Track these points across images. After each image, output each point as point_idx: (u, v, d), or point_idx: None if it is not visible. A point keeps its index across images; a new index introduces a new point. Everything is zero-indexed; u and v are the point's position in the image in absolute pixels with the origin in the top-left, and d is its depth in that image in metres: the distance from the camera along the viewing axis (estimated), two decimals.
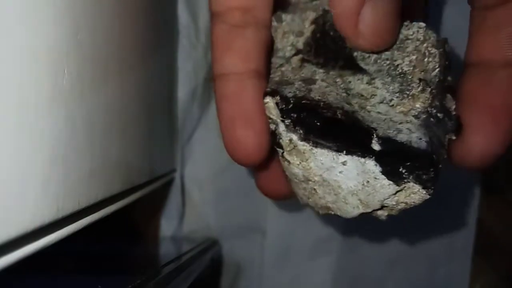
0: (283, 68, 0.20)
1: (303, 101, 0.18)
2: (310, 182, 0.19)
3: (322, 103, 0.18)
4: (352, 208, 0.19)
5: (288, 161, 0.19)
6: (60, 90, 0.15)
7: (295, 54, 0.20)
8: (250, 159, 0.19)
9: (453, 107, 0.19)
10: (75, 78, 0.15)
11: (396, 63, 0.19)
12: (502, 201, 0.31)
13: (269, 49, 0.21)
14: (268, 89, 0.19)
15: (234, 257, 0.31)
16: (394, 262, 0.31)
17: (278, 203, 0.30)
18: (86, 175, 0.17)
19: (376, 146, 0.17)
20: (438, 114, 0.18)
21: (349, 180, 0.18)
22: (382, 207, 0.18)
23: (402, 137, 0.17)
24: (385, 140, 0.17)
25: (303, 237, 0.31)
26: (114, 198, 0.20)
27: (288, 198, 0.22)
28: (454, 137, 0.18)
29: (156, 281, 0.19)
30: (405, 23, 0.19)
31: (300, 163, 0.18)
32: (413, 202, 0.18)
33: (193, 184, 0.31)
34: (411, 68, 0.19)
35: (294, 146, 0.18)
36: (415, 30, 0.19)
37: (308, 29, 0.20)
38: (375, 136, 0.17)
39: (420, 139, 0.17)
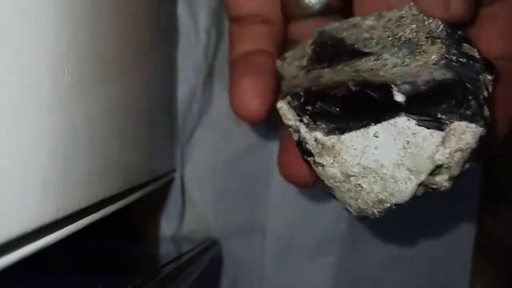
0: (291, 82, 0.20)
1: (313, 88, 0.17)
2: (352, 178, 0.17)
3: (331, 84, 0.17)
4: (404, 184, 0.16)
5: (322, 165, 0.17)
6: (60, 90, 0.15)
7: (301, 70, 0.20)
8: (252, 112, 0.20)
9: (476, 53, 0.18)
10: (75, 78, 0.15)
11: (398, 35, 0.19)
12: (502, 201, 0.31)
13: (281, 42, 0.23)
14: (280, 96, 0.19)
15: (234, 257, 0.31)
16: (394, 262, 0.31)
17: (278, 203, 0.30)
18: (86, 175, 0.17)
19: (399, 97, 0.16)
20: (460, 59, 0.17)
21: (388, 153, 0.16)
22: (437, 169, 0.16)
23: (424, 78, 0.16)
24: (407, 87, 0.16)
25: (303, 237, 0.31)
26: (114, 198, 0.20)
27: (311, 185, 0.22)
28: (490, 77, 0.17)
29: (156, 281, 0.19)
30: (396, 9, 0.19)
31: (333, 160, 0.17)
32: (469, 144, 0.16)
33: (193, 184, 0.31)
34: (415, 34, 0.18)
35: (322, 145, 0.17)
36: (407, 9, 0.19)
37: (308, 50, 0.20)
38: (394, 87, 0.16)
39: (444, 73, 0.16)
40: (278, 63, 0.21)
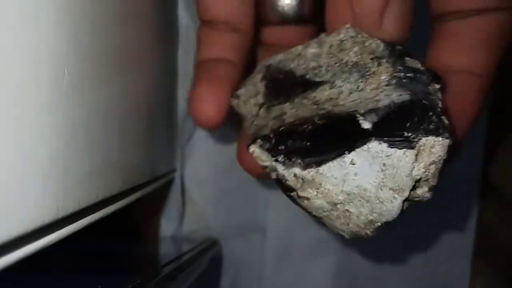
0: (254, 122, 0.20)
1: (281, 129, 0.18)
2: (339, 206, 0.18)
3: (297, 121, 0.18)
4: (390, 203, 0.17)
5: (307, 198, 0.18)
6: (60, 90, 0.15)
7: (260, 108, 0.20)
8: (210, 119, 0.21)
9: (419, 64, 0.19)
10: (75, 78, 0.15)
11: (344, 60, 0.19)
12: (502, 201, 0.31)
13: (248, 53, 0.23)
14: (248, 141, 0.19)
15: (234, 257, 0.31)
16: (394, 262, 0.31)
17: (278, 203, 0.30)
18: (86, 175, 0.17)
19: (366, 125, 0.17)
20: (408, 74, 0.18)
21: (368, 177, 0.17)
22: (416, 183, 0.17)
23: (383, 103, 0.17)
24: (370, 113, 0.17)
25: (303, 237, 0.31)
26: (114, 198, 0.20)
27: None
28: (437, 86, 0.18)
29: (156, 281, 0.19)
30: (334, 33, 0.20)
31: (317, 192, 0.18)
32: (440, 156, 0.17)
33: (193, 184, 0.31)
34: (359, 56, 0.19)
35: (302, 179, 0.18)
36: (344, 32, 0.20)
37: (260, 86, 0.21)
38: (359, 116, 0.17)
39: (400, 95, 0.17)
40: (233, 101, 0.22)
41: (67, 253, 0.20)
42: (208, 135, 0.30)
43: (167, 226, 0.31)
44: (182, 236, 0.31)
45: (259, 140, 0.18)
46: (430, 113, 0.17)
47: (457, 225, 0.31)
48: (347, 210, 0.18)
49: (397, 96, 0.17)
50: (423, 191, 0.18)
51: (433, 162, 0.17)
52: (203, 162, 0.30)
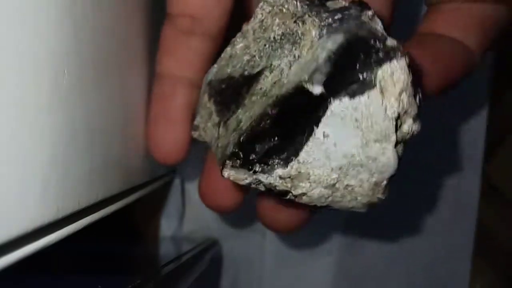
0: (219, 145, 0.18)
1: (241, 138, 0.16)
2: (337, 185, 0.16)
3: (253, 122, 0.16)
4: (383, 155, 0.16)
5: (303, 194, 0.17)
6: (60, 90, 0.15)
7: (218, 127, 0.19)
8: (170, 156, 0.21)
9: (343, 2, 0.17)
10: (75, 78, 0.15)
11: (271, 38, 0.18)
12: (502, 201, 0.31)
13: (212, 59, 0.20)
14: (219, 167, 0.17)
15: (234, 257, 0.31)
16: (394, 262, 0.31)
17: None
18: (86, 175, 0.17)
19: (316, 89, 0.15)
20: (336, 17, 0.16)
21: (348, 141, 0.16)
22: (398, 120, 0.16)
23: (322, 56, 0.16)
24: (314, 74, 0.15)
25: (303, 237, 0.31)
26: (114, 198, 0.20)
27: (232, 211, 0.22)
28: (370, 12, 0.16)
29: (156, 281, 0.19)
30: (251, 18, 0.18)
31: (309, 183, 0.16)
32: (405, 79, 0.15)
33: (193, 184, 0.31)
34: (282, 26, 0.17)
35: (290, 177, 0.16)
36: (260, 11, 0.18)
37: (210, 105, 0.19)
38: (305, 84, 0.15)
39: (334, 40, 0.16)
40: (194, 134, 0.20)
41: (67, 253, 0.20)
42: None
43: (167, 226, 0.31)
44: (182, 236, 0.31)
45: (227, 162, 0.16)
46: (372, 42, 0.15)
47: (457, 225, 0.31)
48: (347, 185, 0.17)
49: (332, 42, 0.16)
50: (409, 125, 0.16)
51: (402, 90, 0.16)
52: (203, 162, 0.30)
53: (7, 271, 0.13)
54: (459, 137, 0.31)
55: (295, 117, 0.16)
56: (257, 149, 0.16)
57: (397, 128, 0.16)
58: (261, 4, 0.18)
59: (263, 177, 0.16)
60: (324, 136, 0.16)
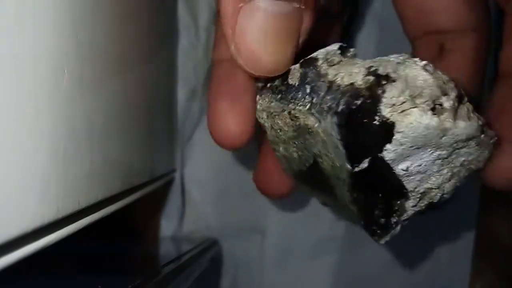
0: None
1: (367, 228, 0.18)
2: (454, 170, 0.18)
3: (358, 211, 0.17)
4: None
5: (440, 195, 0.19)
6: (60, 90, 0.15)
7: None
8: (233, 139, 0.18)
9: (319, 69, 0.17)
10: (75, 78, 0.15)
11: (292, 136, 0.18)
12: (502, 201, 0.31)
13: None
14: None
15: (234, 257, 0.31)
16: (394, 262, 0.31)
17: (278, 202, 0.30)
18: (86, 175, 0.17)
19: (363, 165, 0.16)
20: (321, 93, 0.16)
21: (423, 152, 0.16)
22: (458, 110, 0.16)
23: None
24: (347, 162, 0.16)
25: (303, 237, 0.31)
26: (114, 198, 0.20)
27: (286, 196, 0.22)
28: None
29: (156, 281, 0.19)
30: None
31: (435, 191, 0.19)
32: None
33: (193, 184, 0.31)
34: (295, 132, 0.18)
35: (419, 199, 0.18)
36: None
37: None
38: (355, 169, 0.16)
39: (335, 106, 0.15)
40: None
41: (67, 253, 0.20)
42: (208, 135, 0.30)
43: (167, 226, 0.31)
44: (182, 236, 0.31)
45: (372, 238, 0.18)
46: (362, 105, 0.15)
47: (457, 225, 0.31)
48: (462, 163, 0.18)
49: (330, 127, 0.16)
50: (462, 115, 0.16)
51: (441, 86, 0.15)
52: (203, 162, 0.30)
53: (7, 271, 0.13)
54: None
55: (377, 185, 0.17)
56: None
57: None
58: (256, 114, 0.19)
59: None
60: (406, 169, 0.16)
